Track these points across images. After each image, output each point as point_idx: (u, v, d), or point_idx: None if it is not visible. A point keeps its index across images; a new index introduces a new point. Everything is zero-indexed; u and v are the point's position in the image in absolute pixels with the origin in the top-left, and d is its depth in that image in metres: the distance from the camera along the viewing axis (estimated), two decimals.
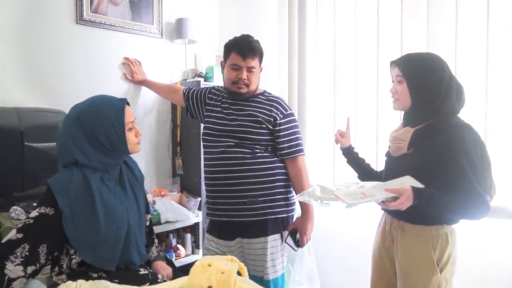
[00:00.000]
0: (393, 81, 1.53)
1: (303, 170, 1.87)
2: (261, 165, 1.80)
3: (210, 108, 1.96)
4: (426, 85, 1.42)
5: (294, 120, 1.89)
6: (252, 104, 1.86)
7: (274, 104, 1.86)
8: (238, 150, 1.79)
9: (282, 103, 1.89)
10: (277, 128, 1.82)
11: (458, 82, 1.46)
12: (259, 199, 1.78)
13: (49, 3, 2.30)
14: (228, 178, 1.80)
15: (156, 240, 1.66)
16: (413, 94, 1.44)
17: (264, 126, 1.81)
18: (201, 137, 1.95)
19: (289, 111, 1.89)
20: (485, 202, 1.32)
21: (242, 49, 1.79)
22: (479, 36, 1.91)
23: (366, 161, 1.82)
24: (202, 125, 2.01)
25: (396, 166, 1.53)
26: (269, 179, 1.81)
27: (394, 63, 1.51)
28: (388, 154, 1.62)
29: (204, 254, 1.92)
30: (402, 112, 1.61)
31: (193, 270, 0.80)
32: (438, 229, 1.43)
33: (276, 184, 1.83)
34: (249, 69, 1.82)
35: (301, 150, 1.88)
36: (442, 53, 1.95)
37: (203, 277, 0.76)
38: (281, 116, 1.84)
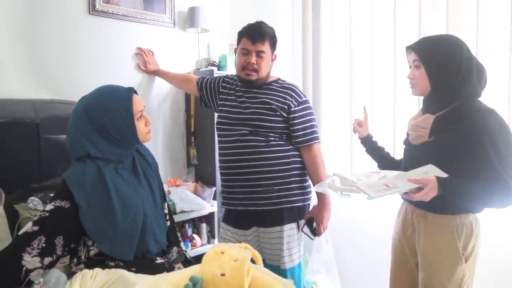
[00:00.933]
0: (410, 67, 1.48)
1: (319, 158, 1.85)
2: (276, 153, 1.78)
3: (224, 97, 1.94)
4: (445, 68, 1.36)
5: (309, 108, 1.86)
6: (266, 91, 1.83)
7: (288, 91, 1.83)
8: (253, 139, 1.77)
9: (297, 90, 1.86)
10: (291, 115, 1.80)
11: (479, 62, 1.40)
12: (275, 187, 1.77)
13: None
14: (243, 167, 1.78)
15: (180, 240, 1.64)
16: (432, 78, 1.39)
17: (278, 113, 1.78)
18: (215, 126, 1.94)
19: (304, 98, 1.86)
20: (511, 190, 1.27)
21: (252, 33, 1.79)
22: (501, 18, 1.82)
23: (386, 150, 1.77)
24: (216, 115, 2.00)
25: (416, 155, 1.48)
26: (284, 168, 1.79)
27: (410, 48, 1.46)
28: (407, 142, 1.56)
29: None
30: (421, 98, 1.56)
31: (205, 257, 0.79)
32: (463, 218, 1.39)
33: (292, 172, 1.81)
34: (259, 54, 1.79)
35: (316, 138, 1.85)
36: (462, 37, 1.90)
37: (215, 265, 0.75)
38: (296, 104, 1.81)
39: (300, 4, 2.74)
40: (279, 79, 1.91)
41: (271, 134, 1.78)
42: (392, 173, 1.42)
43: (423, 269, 1.47)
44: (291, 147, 1.83)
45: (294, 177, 1.81)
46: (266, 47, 1.80)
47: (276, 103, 1.79)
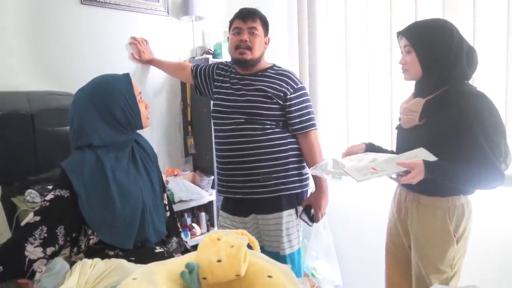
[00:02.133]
0: (401, 52, 1.49)
1: (316, 145, 1.85)
2: (273, 141, 1.78)
3: (218, 84, 1.93)
4: (435, 52, 1.37)
5: (305, 94, 1.85)
6: (261, 78, 1.82)
7: (284, 78, 1.82)
8: (249, 127, 1.77)
9: (292, 77, 1.84)
10: (287, 103, 1.79)
11: (469, 45, 1.41)
12: (273, 175, 1.77)
13: None
14: (241, 156, 1.78)
15: (180, 230, 1.65)
16: (423, 62, 1.41)
17: (274, 101, 1.77)
18: (211, 114, 1.93)
19: (300, 85, 1.84)
20: (499, 171, 1.31)
21: (242, 12, 1.82)
22: (498, 7, 1.81)
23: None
24: (212, 103, 1.99)
25: (408, 138, 1.50)
26: (282, 155, 1.79)
27: (400, 33, 1.47)
28: (399, 127, 1.59)
29: None
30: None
31: (201, 244, 0.79)
32: (454, 200, 1.42)
33: (289, 160, 1.81)
34: (251, 31, 1.80)
35: (313, 125, 1.85)
36: (460, 24, 1.88)
37: (212, 251, 0.75)
38: (292, 91, 1.80)
39: None
40: (274, 65, 1.89)
41: (268, 122, 1.77)
42: (383, 156, 1.44)
43: (416, 250, 1.50)
44: (287, 134, 1.82)
45: (291, 164, 1.81)
46: (258, 25, 1.81)
47: (272, 91, 1.77)
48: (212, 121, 1.94)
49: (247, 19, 1.79)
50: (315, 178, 1.84)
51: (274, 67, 1.88)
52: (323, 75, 2.62)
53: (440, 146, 1.35)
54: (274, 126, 1.79)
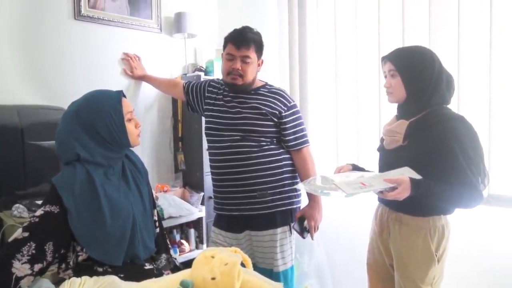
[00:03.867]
0: (385, 76, 1.55)
1: (309, 160, 1.88)
2: (269, 157, 1.80)
3: (211, 101, 1.94)
4: (419, 77, 1.45)
5: (297, 112, 1.89)
6: (255, 96, 1.84)
7: (277, 96, 1.85)
8: (245, 144, 1.78)
9: (285, 95, 1.88)
10: (282, 120, 1.82)
11: (448, 72, 1.50)
12: (269, 191, 1.78)
13: (47, 0, 2.28)
14: (237, 173, 1.79)
15: (170, 247, 1.64)
16: (407, 86, 1.47)
17: (269, 118, 1.80)
18: (204, 131, 1.93)
19: (292, 103, 1.88)
20: (478, 192, 1.37)
21: (236, 38, 1.79)
22: (482, 27, 1.88)
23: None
24: (203, 120, 2.00)
25: (391, 159, 1.54)
26: (277, 171, 1.81)
27: (386, 58, 1.53)
28: (381, 148, 1.64)
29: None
30: None
31: (196, 262, 0.79)
32: (435, 221, 1.47)
33: (284, 176, 1.83)
34: (243, 59, 1.79)
35: (306, 142, 1.89)
36: (444, 43, 1.96)
37: (206, 269, 0.75)
38: (285, 109, 1.83)
39: (286, 9, 2.76)
40: (266, 83, 1.92)
41: (263, 139, 1.79)
42: (370, 174, 1.50)
43: (398, 269, 1.54)
44: (282, 150, 1.85)
45: (286, 180, 1.84)
46: (251, 53, 1.80)
47: (267, 108, 1.80)
48: (206, 138, 1.94)
49: (240, 47, 1.78)
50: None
51: (267, 86, 1.90)
52: (313, 92, 2.67)
53: (422, 167, 1.40)
54: (269, 143, 1.81)
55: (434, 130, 1.41)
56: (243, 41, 1.78)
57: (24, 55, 2.23)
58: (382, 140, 1.63)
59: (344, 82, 2.48)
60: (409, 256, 1.49)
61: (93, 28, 2.47)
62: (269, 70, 2.75)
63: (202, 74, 2.67)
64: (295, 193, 1.87)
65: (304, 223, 1.87)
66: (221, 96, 1.91)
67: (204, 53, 2.91)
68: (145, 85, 2.66)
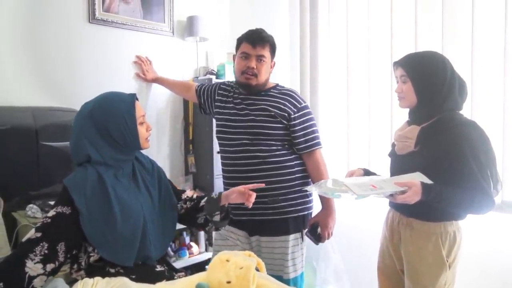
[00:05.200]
0: (397, 82, 1.55)
1: (321, 164, 1.84)
2: (280, 163, 1.77)
3: (220, 104, 1.93)
4: (430, 83, 1.44)
5: (309, 113, 1.84)
6: (265, 98, 1.81)
7: (287, 97, 1.81)
8: (254, 149, 1.76)
9: (295, 96, 1.84)
10: (291, 123, 1.78)
11: (460, 77, 1.49)
12: (280, 197, 1.76)
13: (62, 3, 2.32)
14: (247, 178, 1.75)
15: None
16: (418, 92, 1.47)
17: (278, 120, 1.76)
18: (216, 134, 1.92)
19: (303, 104, 1.83)
20: (490, 198, 1.36)
21: (252, 37, 1.78)
22: (496, 33, 1.87)
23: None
24: (214, 122, 2.00)
25: (402, 164, 1.53)
26: (289, 177, 1.78)
27: (397, 64, 1.53)
28: (392, 153, 1.63)
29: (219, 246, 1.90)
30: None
31: (211, 265, 0.79)
32: (447, 226, 1.46)
33: (296, 182, 1.80)
34: (259, 58, 1.78)
35: (318, 144, 1.84)
36: (458, 50, 1.95)
37: (221, 272, 0.76)
38: (295, 110, 1.79)
39: (298, 13, 2.77)
40: (277, 84, 1.90)
41: (273, 143, 1.77)
42: (381, 177, 1.50)
43: (408, 275, 1.53)
44: (294, 155, 1.81)
45: (298, 186, 1.80)
46: (266, 52, 1.79)
47: (276, 110, 1.77)
48: (217, 141, 1.93)
49: (256, 46, 1.77)
50: (322, 197, 1.83)
51: (277, 87, 1.88)
52: (324, 96, 2.67)
53: (433, 172, 1.40)
54: (280, 147, 1.78)
55: (446, 135, 1.40)
56: (259, 39, 1.77)
57: (38, 58, 2.26)
58: (393, 145, 1.62)
59: (355, 86, 2.47)
60: (419, 262, 1.48)
61: (106, 31, 2.50)
62: (280, 73, 2.75)
63: (213, 77, 2.69)
64: (308, 199, 1.84)
65: (317, 230, 1.84)
66: (231, 99, 1.89)
67: (216, 57, 2.92)
68: (156, 88, 2.68)
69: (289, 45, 2.85)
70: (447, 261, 1.45)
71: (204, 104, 2.06)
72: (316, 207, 1.91)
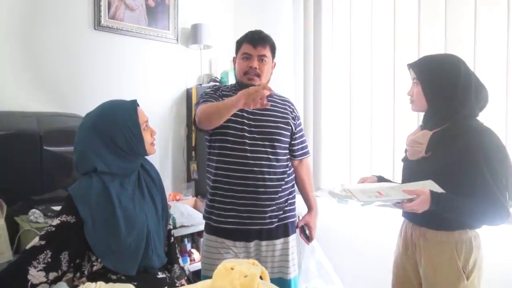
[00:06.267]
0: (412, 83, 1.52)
1: (311, 170, 1.97)
2: (285, 168, 1.79)
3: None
4: (441, 88, 1.39)
5: (301, 122, 1.94)
6: (272, 103, 1.75)
7: (289, 104, 1.85)
8: (264, 157, 1.71)
9: (293, 104, 1.90)
10: (295, 130, 1.82)
11: (478, 82, 1.42)
12: (283, 204, 1.78)
13: (68, 9, 2.34)
14: (255, 186, 1.69)
15: (178, 256, 1.61)
16: (428, 96, 1.43)
17: (289, 128, 1.79)
18: (217, 137, 1.77)
19: (298, 113, 1.92)
20: (504, 208, 1.29)
21: (253, 37, 1.77)
22: (499, 37, 1.88)
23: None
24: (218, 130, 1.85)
25: (414, 170, 1.49)
26: (291, 185, 1.83)
27: (409, 66, 1.50)
28: (405, 159, 1.58)
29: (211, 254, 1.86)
30: (420, 115, 1.59)
31: (216, 273, 0.79)
32: (461, 234, 1.39)
33: (294, 188, 1.86)
34: (261, 58, 1.75)
35: (309, 152, 1.94)
36: (460, 54, 1.94)
37: (226, 281, 0.76)
38: (296, 118, 1.85)
39: (302, 21, 2.79)
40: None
41: (282, 151, 1.76)
42: (390, 184, 1.46)
43: None
44: (288, 163, 1.82)
45: (294, 192, 1.86)
46: (267, 52, 1.78)
47: (285, 116, 1.79)
48: (217, 144, 1.78)
49: (257, 46, 1.75)
50: (307, 200, 1.91)
51: (276, 94, 1.85)
52: (327, 104, 2.67)
53: (445, 180, 1.34)
54: (283, 153, 1.78)
55: (459, 142, 1.34)
56: (260, 39, 1.76)
57: (44, 64, 2.28)
58: (406, 150, 1.57)
59: (358, 93, 2.48)
60: (435, 274, 1.41)
61: (111, 38, 2.52)
62: (284, 81, 2.77)
63: (217, 84, 2.69)
64: (294, 202, 1.88)
65: (306, 231, 1.93)
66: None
67: (219, 64, 2.95)
68: (160, 95, 2.70)
69: (293, 52, 2.86)
70: (464, 272, 1.36)
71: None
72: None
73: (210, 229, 1.82)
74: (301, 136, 1.87)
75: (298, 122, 1.84)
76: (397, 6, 2.25)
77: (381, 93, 2.36)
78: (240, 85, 1.81)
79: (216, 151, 1.78)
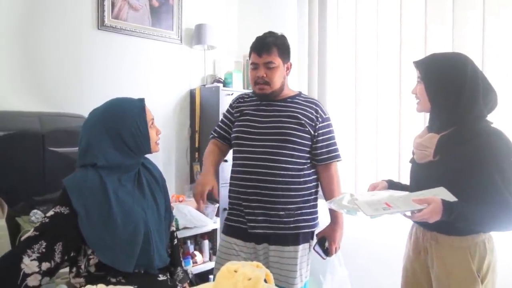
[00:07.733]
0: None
1: (335, 177, 1.78)
2: (300, 171, 1.71)
3: (239, 114, 1.82)
4: (442, 86, 1.34)
5: (331, 125, 1.81)
6: (292, 105, 1.75)
7: (314, 106, 1.76)
8: (279, 159, 1.68)
9: (321, 106, 1.80)
10: (317, 132, 1.73)
11: (487, 83, 1.36)
12: (296, 212, 1.69)
13: (71, 9, 2.34)
14: (265, 188, 1.67)
15: (181, 259, 1.61)
16: (430, 97, 1.38)
17: (307, 130, 1.71)
18: (233, 141, 1.81)
19: (327, 115, 1.80)
20: None
21: (257, 46, 1.74)
22: (507, 33, 1.84)
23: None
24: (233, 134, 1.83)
25: (422, 174, 1.45)
26: (307, 191, 1.73)
27: (414, 63, 1.45)
28: (413, 161, 1.53)
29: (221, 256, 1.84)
30: (427, 114, 1.54)
31: (219, 275, 0.77)
32: (474, 238, 1.34)
33: (312, 197, 1.75)
34: (267, 65, 1.71)
35: (337, 156, 1.79)
36: (468, 54, 1.91)
37: (229, 283, 0.73)
38: (321, 120, 1.74)
39: (306, 21, 2.78)
40: (300, 92, 1.85)
41: (296, 153, 1.70)
42: (400, 193, 1.39)
43: None
44: (311, 167, 1.76)
45: (313, 201, 1.75)
46: (274, 57, 1.72)
47: (305, 118, 1.71)
48: (234, 148, 1.81)
49: (262, 54, 1.71)
50: (332, 211, 1.76)
51: (302, 95, 1.83)
52: (332, 105, 2.66)
53: (454, 184, 1.30)
54: (301, 157, 1.72)
55: (468, 145, 1.29)
56: (262, 47, 1.72)
57: (47, 64, 2.27)
58: (413, 152, 1.52)
59: (363, 92, 2.46)
60: (448, 279, 1.36)
61: (115, 38, 2.51)
62: (288, 80, 2.72)
63: (220, 85, 2.68)
64: (315, 211, 1.78)
65: (325, 244, 1.80)
66: (253, 106, 1.80)
67: (223, 65, 2.93)
68: (163, 96, 2.68)
69: (298, 53, 2.84)
70: (479, 275, 1.32)
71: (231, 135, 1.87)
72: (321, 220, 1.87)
73: (224, 228, 1.85)
74: (327, 139, 1.75)
75: (321, 125, 1.73)
76: (404, 4, 2.22)
77: (387, 93, 2.33)
78: (255, 95, 1.81)
79: (233, 154, 1.82)
